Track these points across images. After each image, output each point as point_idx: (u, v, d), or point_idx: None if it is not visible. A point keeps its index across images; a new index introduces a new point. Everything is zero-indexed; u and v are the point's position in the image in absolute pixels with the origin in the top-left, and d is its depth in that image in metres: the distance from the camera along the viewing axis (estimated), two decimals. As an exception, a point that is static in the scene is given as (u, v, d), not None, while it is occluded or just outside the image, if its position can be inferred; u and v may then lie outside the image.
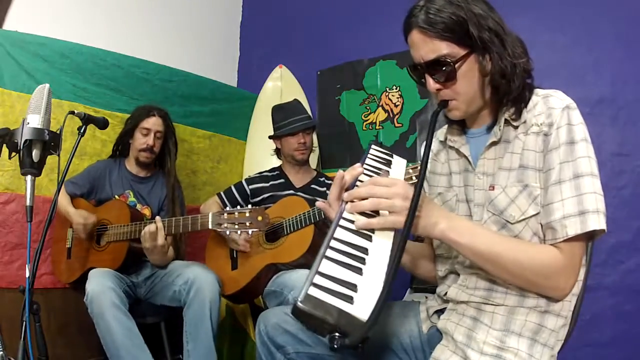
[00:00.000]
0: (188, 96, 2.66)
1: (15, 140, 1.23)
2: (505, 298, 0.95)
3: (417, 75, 0.99)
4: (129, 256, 1.87)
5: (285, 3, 3.21)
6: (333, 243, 0.77)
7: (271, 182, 2.17)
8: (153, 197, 2.12)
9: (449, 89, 0.95)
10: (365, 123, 2.74)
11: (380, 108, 2.69)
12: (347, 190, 0.91)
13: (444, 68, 0.92)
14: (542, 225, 0.90)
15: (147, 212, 2.07)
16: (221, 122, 2.85)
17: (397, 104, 2.63)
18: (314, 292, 0.68)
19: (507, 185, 0.94)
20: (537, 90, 0.97)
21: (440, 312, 1.11)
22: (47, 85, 1.29)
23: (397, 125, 2.63)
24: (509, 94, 0.93)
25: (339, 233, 0.80)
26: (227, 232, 1.64)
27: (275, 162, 2.29)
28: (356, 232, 0.82)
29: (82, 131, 1.58)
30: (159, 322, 1.94)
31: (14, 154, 1.25)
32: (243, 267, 1.93)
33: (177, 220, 1.79)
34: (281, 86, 2.93)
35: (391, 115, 2.65)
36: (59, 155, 1.28)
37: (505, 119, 0.96)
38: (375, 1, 2.76)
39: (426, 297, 1.23)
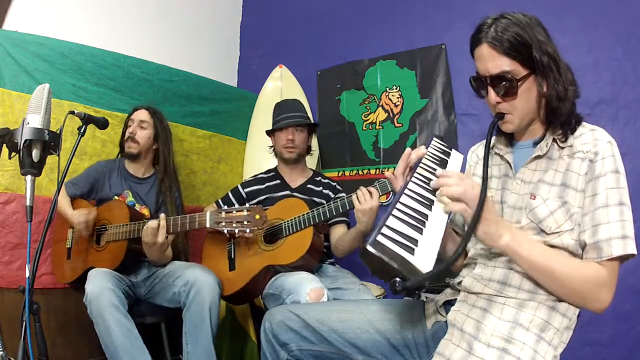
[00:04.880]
0: (188, 96, 2.66)
1: (15, 140, 1.23)
2: (518, 292, 1.01)
3: (477, 85, 1.09)
4: (128, 256, 1.87)
5: (285, 3, 3.21)
6: (399, 206, 0.87)
7: (267, 184, 2.16)
8: (151, 197, 2.12)
9: (508, 103, 1.04)
10: (365, 123, 2.74)
11: (380, 108, 2.69)
12: (411, 167, 1.07)
13: (506, 83, 1.01)
14: (584, 243, 0.99)
15: (145, 212, 2.07)
16: (221, 122, 2.85)
17: (397, 104, 2.64)
18: (382, 239, 0.76)
19: (549, 198, 1.02)
20: (584, 123, 1.08)
21: (449, 304, 1.13)
22: (47, 85, 1.29)
23: (397, 125, 2.63)
24: (560, 116, 1.03)
25: (405, 199, 0.90)
26: (225, 231, 1.65)
27: (275, 162, 2.29)
28: (419, 201, 0.91)
29: (82, 131, 1.57)
30: (159, 322, 1.94)
31: (14, 154, 1.25)
32: (241, 268, 1.92)
33: (175, 218, 1.79)
34: (281, 86, 2.93)
35: (391, 115, 2.65)
36: (59, 155, 1.28)
37: (554, 138, 1.06)
38: (376, 1, 2.76)
39: (426, 297, 1.23)
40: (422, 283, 0.72)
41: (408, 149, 1.10)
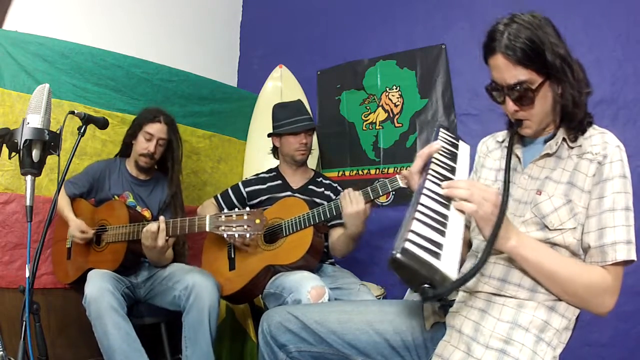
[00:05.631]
0: (188, 96, 2.66)
1: (15, 140, 1.23)
2: (517, 291, 1.01)
3: (494, 92, 1.09)
4: (128, 257, 1.87)
5: (285, 3, 3.21)
6: (420, 207, 0.86)
7: (268, 184, 2.16)
8: (153, 200, 2.11)
9: (526, 111, 1.05)
10: (365, 123, 2.74)
11: (380, 108, 2.69)
12: (425, 164, 1.06)
13: (523, 92, 1.02)
14: (587, 245, 0.99)
15: (147, 214, 2.07)
16: (221, 122, 2.85)
17: (397, 104, 2.64)
18: (409, 246, 0.75)
19: (554, 195, 1.03)
20: (593, 125, 1.10)
21: (448, 305, 1.13)
22: (47, 85, 1.29)
23: (397, 125, 2.63)
24: (574, 120, 1.05)
25: (424, 200, 0.89)
26: (225, 235, 1.64)
27: (275, 163, 2.29)
28: (437, 201, 0.91)
29: (82, 131, 1.57)
30: (159, 323, 1.94)
31: (14, 154, 1.26)
32: (241, 268, 1.92)
33: (174, 222, 1.78)
34: (281, 86, 2.93)
35: (391, 115, 2.65)
36: (59, 155, 1.28)
37: (564, 138, 1.08)
38: (375, 1, 2.76)
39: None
40: (452, 290, 0.73)
41: (424, 149, 1.08)
